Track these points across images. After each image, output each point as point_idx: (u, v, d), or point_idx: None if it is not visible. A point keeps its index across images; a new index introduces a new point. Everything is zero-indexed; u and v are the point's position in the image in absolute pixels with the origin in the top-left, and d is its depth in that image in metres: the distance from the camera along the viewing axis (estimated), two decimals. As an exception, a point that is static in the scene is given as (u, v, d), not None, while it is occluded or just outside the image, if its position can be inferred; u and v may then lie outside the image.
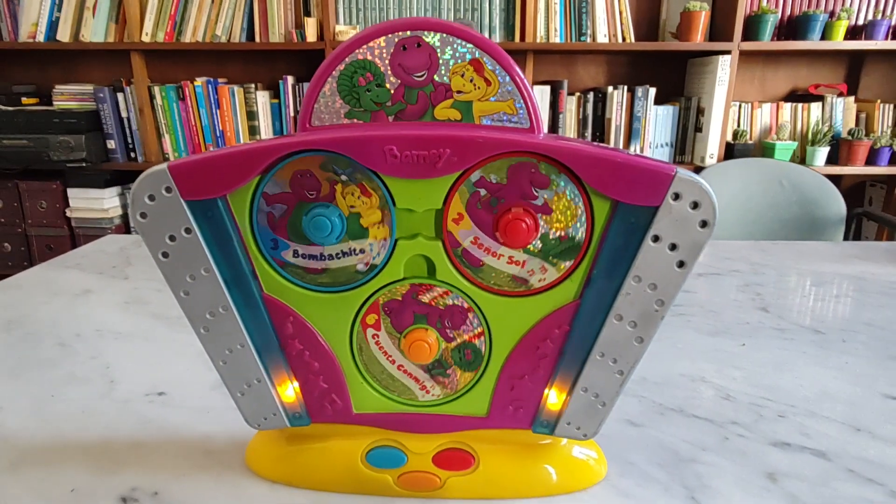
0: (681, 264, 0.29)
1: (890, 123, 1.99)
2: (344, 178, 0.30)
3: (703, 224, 0.28)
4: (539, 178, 0.29)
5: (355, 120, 0.29)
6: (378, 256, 0.31)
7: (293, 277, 0.32)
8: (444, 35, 0.28)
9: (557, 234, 0.30)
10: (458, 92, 0.29)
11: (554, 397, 0.33)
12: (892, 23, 1.89)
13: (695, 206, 0.28)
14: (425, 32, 0.28)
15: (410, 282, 0.31)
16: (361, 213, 0.30)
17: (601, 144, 0.30)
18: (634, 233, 0.29)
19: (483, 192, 0.30)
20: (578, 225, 0.30)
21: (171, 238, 0.30)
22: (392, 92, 0.29)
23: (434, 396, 0.34)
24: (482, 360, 0.33)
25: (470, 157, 0.28)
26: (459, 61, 0.28)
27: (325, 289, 0.32)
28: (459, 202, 0.30)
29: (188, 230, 0.29)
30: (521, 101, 0.29)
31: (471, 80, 0.29)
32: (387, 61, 0.29)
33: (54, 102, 1.99)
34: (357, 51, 0.29)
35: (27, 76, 2.12)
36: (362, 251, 0.31)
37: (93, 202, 1.97)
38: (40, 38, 1.92)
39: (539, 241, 0.30)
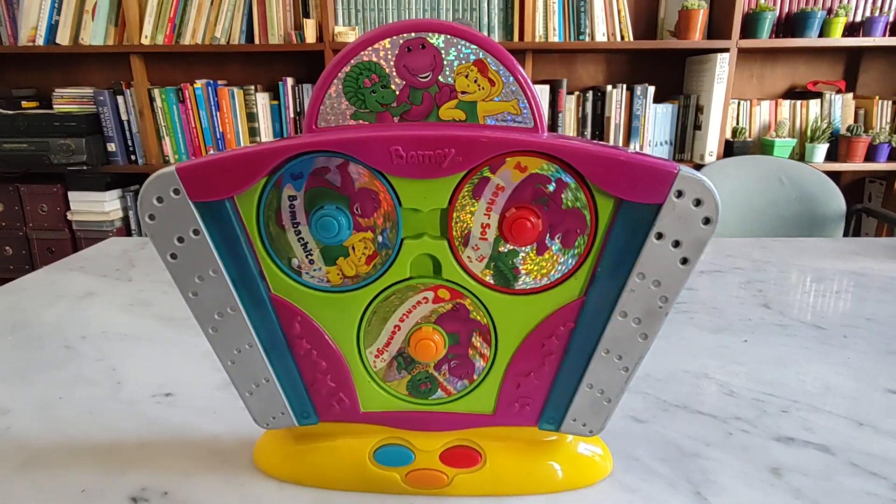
0: (684, 261, 0.29)
1: (888, 119, 2.00)
2: (380, 238, 0.31)
3: (706, 221, 0.28)
4: (572, 236, 0.30)
5: (361, 121, 0.30)
6: (309, 277, 0.32)
7: (264, 213, 0.31)
8: (449, 36, 0.29)
9: (514, 265, 0.31)
10: (463, 92, 0.29)
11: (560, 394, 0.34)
12: (890, 19, 1.89)
13: (698, 203, 0.28)
14: (430, 34, 0.29)
15: (487, 321, 0.32)
16: (347, 258, 0.31)
17: (604, 143, 0.31)
18: (638, 230, 0.29)
19: (552, 187, 0.29)
20: (532, 278, 0.31)
21: (180, 239, 0.30)
22: (397, 93, 0.29)
23: (372, 365, 0.34)
24: (432, 392, 0.34)
25: (475, 157, 0.29)
26: (463, 62, 0.29)
27: (331, 289, 0.32)
28: (539, 163, 0.29)
29: (196, 231, 0.30)
30: (525, 100, 0.29)
31: (475, 81, 0.29)
32: (392, 63, 0.29)
33: (54, 106, 2.00)
34: (362, 53, 0.29)
35: (27, 80, 2.12)
36: (311, 262, 0.32)
37: (94, 205, 1.98)
38: (40, 41, 1.92)
39: (506, 249, 0.31)
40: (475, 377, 0.34)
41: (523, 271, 0.31)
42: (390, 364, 0.34)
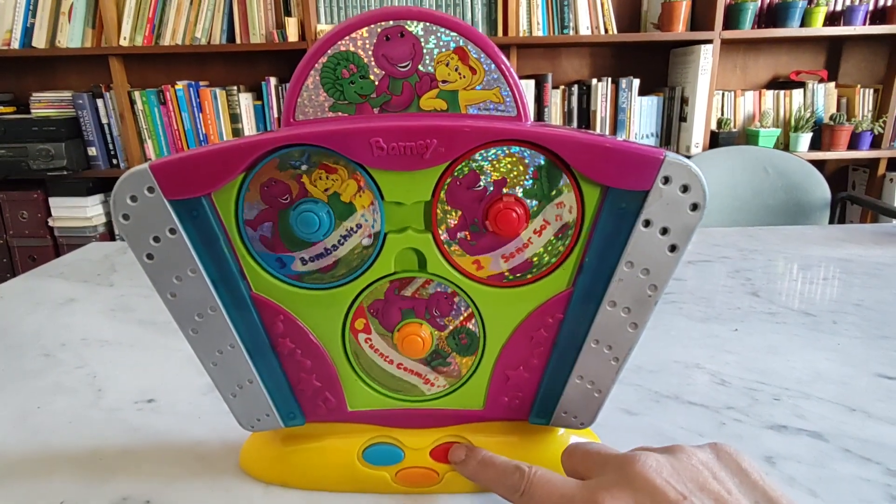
0: (673, 248, 0.29)
1: (870, 107, 2.02)
2: (304, 167, 0.29)
3: (694, 207, 0.28)
4: (470, 177, 0.29)
5: (340, 113, 0.29)
6: (376, 223, 0.30)
7: (309, 284, 0.31)
8: (427, 24, 0.28)
9: (529, 180, 0.29)
10: (444, 81, 0.28)
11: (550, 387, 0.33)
12: (870, 8, 1.91)
13: (685, 189, 0.28)
14: (408, 21, 0.28)
15: (390, 279, 0.31)
16: (339, 191, 0.29)
17: (589, 131, 0.30)
18: (625, 218, 0.29)
19: (463, 234, 0.30)
20: (528, 161, 0.29)
21: (156, 239, 0.29)
22: (376, 83, 0.28)
23: (440, 388, 0.34)
24: (478, 342, 0.33)
25: (457, 147, 0.28)
26: (443, 50, 0.28)
27: (313, 286, 0.31)
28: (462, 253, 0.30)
29: (173, 230, 0.29)
30: (508, 89, 0.29)
31: (456, 69, 0.28)
32: (370, 52, 0.28)
33: (32, 110, 1.96)
34: (339, 42, 0.28)
35: (3, 84, 2.08)
36: (359, 226, 0.30)
37: (75, 211, 1.95)
38: (15, 45, 1.89)
39: (524, 194, 0.29)
40: (450, 290, 0.32)
41: (532, 171, 0.29)
42: (441, 372, 0.34)
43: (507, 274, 0.31)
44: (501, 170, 0.29)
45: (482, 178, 0.29)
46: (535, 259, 0.31)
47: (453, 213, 0.30)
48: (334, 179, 0.29)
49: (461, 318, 0.32)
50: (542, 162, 0.29)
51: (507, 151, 0.28)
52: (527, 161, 0.29)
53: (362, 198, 0.30)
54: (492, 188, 0.29)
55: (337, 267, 0.31)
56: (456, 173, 0.29)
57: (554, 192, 0.29)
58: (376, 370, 0.33)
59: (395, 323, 0.32)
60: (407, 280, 0.31)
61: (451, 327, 0.33)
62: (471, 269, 0.31)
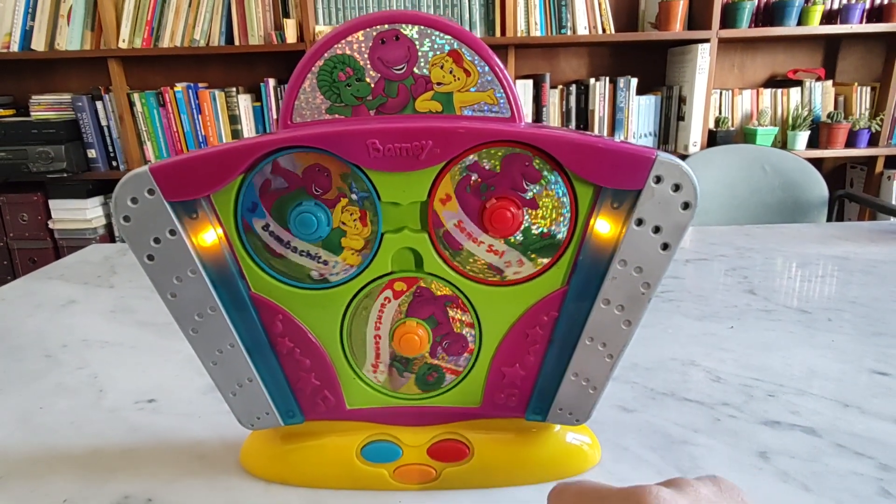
0: (665, 246, 0.29)
1: (867, 105, 2.02)
2: (354, 196, 0.30)
3: (686, 206, 0.28)
4: (532, 172, 0.29)
5: (337, 115, 0.29)
6: (335, 276, 0.31)
7: (257, 256, 0.31)
8: (422, 27, 0.28)
9: (540, 229, 0.30)
10: (438, 84, 0.29)
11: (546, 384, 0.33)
12: (866, 6, 1.91)
13: (676, 188, 0.28)
14: (403, 25, 0.28)
15: (455, 291, 0.32)
16: (347, 234, 0.30)
17: (583, 132, 0.30)
18: (618, 217, 0.29)
19: (475, 176, 0.30)
20: (562, 224, 0.30)
21: (156, 240, 0.29)
22: (372, 86, 0.29)
23: (375, 381, 0.35)
24: (438, 389, 0.34)
25: (452, 148, 0.28)
26: (438, 53, 0.28)
27: (311, 286, 0.32)
28: (450, 182, 0.30)
29: (173, 232, 0.29)
30: (502, 90, 0.29)
31: (450, 72, 0.29)
32: (366, 55, 0.29)
33: (31, 113, 1.96)
34: (336, 46, 0.29)
35: (2, 87, 2.09)
36: (325, 263, 0.31)
37: (75, 213, 1.95)
38: (14, 47, 1.89)
39: (521, 234, 0.30)
40: (471, 347, 0.33)
41: (548, 231, 0.31)
42: (391, 373, 0.34)
43: (446, 232, 0.31)
44: (545, 200, 0.30)
45: (537, 185, 0.29)
46: (469, 259, 0.31)
47: (492, 166, 0.29)
48: (356, 227, 0.30)
49: (452, 366, 0.34)
50: (559, 236, 0.30)
51: (561, 193, 0.29)
52: (560, 221, 0.30)
53: (352, 256, 0.31)
54: (528, 196, 0.30)
55: (277, 258, 0.31)
56: (531, 163, 0.29)
57: (534, 254, 0.31)
58: (358, 325, 0.33)
59: (419, 318, 0.33)
60: (464, 307, 0.32)
61: (439, 363, 0.34)
62: (440, 195, 0.30)
